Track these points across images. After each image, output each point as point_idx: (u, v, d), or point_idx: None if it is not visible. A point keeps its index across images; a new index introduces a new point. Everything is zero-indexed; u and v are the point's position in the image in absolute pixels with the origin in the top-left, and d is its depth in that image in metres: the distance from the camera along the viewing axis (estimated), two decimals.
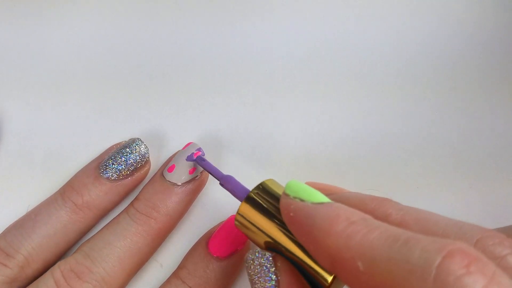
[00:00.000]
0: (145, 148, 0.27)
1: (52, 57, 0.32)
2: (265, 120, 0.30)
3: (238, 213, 0.22)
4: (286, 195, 0.19)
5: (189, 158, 0.26)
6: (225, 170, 0.25)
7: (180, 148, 0.27)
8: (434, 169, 0.28)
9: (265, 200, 0.21)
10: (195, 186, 0.26)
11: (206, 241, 0.25)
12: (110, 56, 0.31)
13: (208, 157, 0.27)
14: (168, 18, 0.32)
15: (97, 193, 0.25)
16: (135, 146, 0.26)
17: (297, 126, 0.29)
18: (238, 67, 0.31)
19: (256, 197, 0.22)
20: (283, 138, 0.29)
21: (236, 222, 0.22)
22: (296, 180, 0.20)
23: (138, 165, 0.26)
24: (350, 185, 0.27)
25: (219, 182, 0.24)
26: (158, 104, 0.30)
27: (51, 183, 0.28)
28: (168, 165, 0.26)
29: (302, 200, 0.18)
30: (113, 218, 0.26)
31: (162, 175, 0.26)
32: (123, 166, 0.26)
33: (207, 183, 0.27)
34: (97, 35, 0.32)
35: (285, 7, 0.32)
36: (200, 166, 0.25)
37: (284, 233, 0.20)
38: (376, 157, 0.29)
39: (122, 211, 0.26)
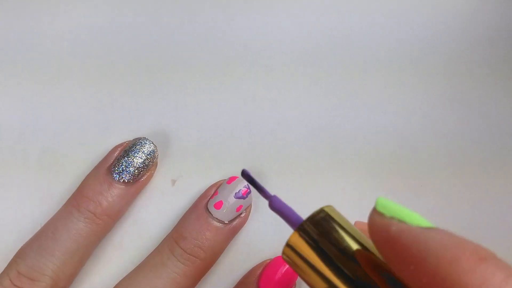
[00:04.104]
0: (153, 146, 0.26)
1: (47, 52, 0.30)
2: (265, 117, 0.29)
3: (287, 244, 0.17)
4: (380, 213, 0.16)
5: (237, 196, 0.25)
6: (225, 168, 0.26)
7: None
8: (438, 168, 0.29)
9: (323, 233, 0.17)
10: (239, 224, 0.25)
11: (257, 284, 0.24)
12: (107, 52, 0.30)
13: (208, 155, 0.28)
14: (166, 13, 0.31)
15: (114, 199, 0.25)
16: (143, 146, 0.26)
17: (298, 123, 0.29)
18: (238, 63, 0.30)
19: (312, 227, 0.17)
20: (284, 135, 0.29)
21: (284, 256, 0.18)
22: (386, 198, 0.16)
23: (149, 164, 0.26)
24: (352, 183, 0.28)
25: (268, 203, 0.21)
26: (156, 102, 0.29)
27: (47, 181, 0.27)
28: (215, 201, 0.25)
29: (401, 222, 0.15)
30: (156, 257, 0.24)
31: (207, 210, 0.25)
32: (135, 168, 0.25)
33: None
34: (94, 31, 0.30)
35: (285, 1, 0.31)
36: (248, 182, 0.22)
37: (346, 278, 0.16)
38: (379, 154, 0.29)
39: (165, 248, 0.24)
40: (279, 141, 0.28)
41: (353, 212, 0.27)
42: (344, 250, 0.17)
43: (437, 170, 0.28)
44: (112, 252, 0.27)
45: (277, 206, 0.19)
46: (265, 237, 0.27)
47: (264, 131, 0.28)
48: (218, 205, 0.25)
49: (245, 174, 0.21)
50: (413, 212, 0.16)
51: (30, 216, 0.27)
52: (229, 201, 0.25)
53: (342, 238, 0.17)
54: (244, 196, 0.25)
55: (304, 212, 0.27)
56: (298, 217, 0.18)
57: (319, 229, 0.17)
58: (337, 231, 0.17)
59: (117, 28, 0.30)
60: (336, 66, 0.30)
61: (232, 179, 0.26)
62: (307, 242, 0.17)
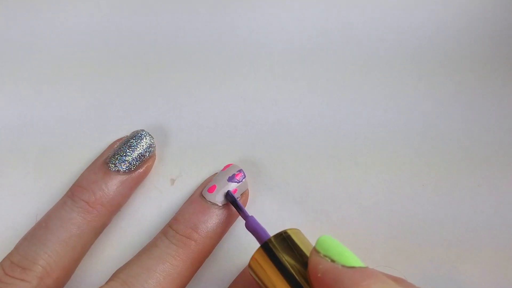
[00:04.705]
0: (151, 139, 0.26)
1: (46, 49, 0.31)
2: (265, 116, 0.29)
3: (252, 259, 0.21)
4: (316, 251, 0.19)
5: (230, 179, 0.25)
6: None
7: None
8: (440, 167, 0.28)
9: (283, 251, 0.20)
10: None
11: None
12: (105, 49, 0.31)
13: (207, 155, 0.28)
14: (165, 12, 0.32)
15: (109, 188, 0.25)
16: (141, 137, 0.26)
17: (299, 121, 0.29)
18: (237, 61, 0.30)
19: (274, 246, 0.21)
20: (284, 134, 0.28)
21: (249, 269, 0.21)
22: (329, 236, 0.19)
23: (146, 155, 0.26)
24: (352, 182, 0.27)
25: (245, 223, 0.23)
26: (155, 100, 0.29)
27: (45, 180, 0.27)
28: (209, 186, 0.25)
29: (332, 260, 0.18)
30: (150, 242, 0.24)
31: (201, 195, 0.25)
32: (132, 158, 0.25)
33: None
34: (93, 28, 0.31)
35: None
36: (229, 202, 0.25)
37: None
38: (380, 153, 0.28)
39: (159, 233, 0.24)
40: (279, 140, 0.28)
41: (353, 211, 0.27)
42: (295, 266, 0.20)
43: (439, 169, 0.28)
44: (111, 250, 0.27)
45: (251, 226, 0.22)
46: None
47: (264, 129, 0.29)
48: (211, 189, 0.25)
49: (229, 195, 0.24)
50: (347, 252, 0.18)
51: (29, 214, 0.27)
52: (222, 184, 0.25)
53: (297, 256, 0.20)
54: (237, 179, 0.25)
55: (303, 211, 0.27)
56: (267, 236, 0.22)
57: (279, 247, 0.20)
58: (293, 250, 0.20)
59: (115, 26, 0.31)
60: (336, 64, 0.30)
61: (226, 166, 0.26)
62: (268, 257, 0.20)
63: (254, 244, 0.26)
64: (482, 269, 0.26)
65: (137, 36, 0.31)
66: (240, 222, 0.26)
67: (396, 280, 0.19)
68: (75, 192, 0.25)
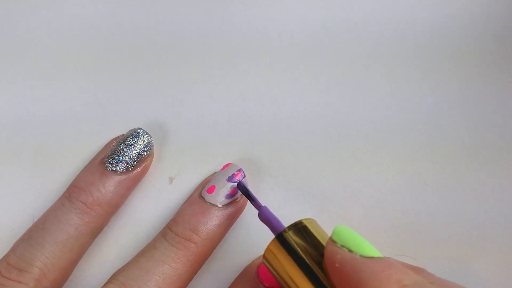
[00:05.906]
0: (148, 137, 0.26)
1: (42, 46, 0.30)
2: (265, 114, 0.29)
3: (267, 250, 0.21)
4: (333, 242, 0.19)
5: (230, 179, 0.25)
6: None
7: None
8: (443, 165, 0.27)
9: (299, 242, 0.20)
10: (235, 209, 0.25)
11: (256, 271, 0.23)
12: (102, 46, 0.30)
13: (206, 153, 0.28)
14: (164, 7, 0.31)
15: (107, 189, 0.24)
16: (138, 136, 0.26)
17: (299, 120, 0.28)
18: (237, 58, 0.30)
19: (289, 236, 0.20)
20: (284, 133, 0.28)
21: (264, 260, 0.21)
22: (345, 226, 0.19)
23: (144, 154, 0.25)
24: (354, 180, 0.27)
25: (258, 213, 0.23)
26: (154, 98, 0.29)
27: (42, 178, 0.27)
28: (208, 186, 0.25)
29: (350, 251, 0.18)
30: (149, 243, 0.24)
31: (201, 196, 0.25)
32: (129, 158, 0.25)
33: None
34: (90, 24, 0.30)
35: None
36: (241, 192, 0.24)
37: (312, 284, 0.19)
38: (382, 152, 0.28)
39: (158, 235, 0.24)
40: (279, 139, 0.28)
41: (355, 210, 0.27)
42: (311, 257, 0.20)
43: (442, 168, 0.27)
44: (108, 250, 0.26)
45: (265, 216, 0.22)
46: (267, 231, 0.26)
47: (264, 128, 0.28)
48: (211, 190, 0.24)
49: (241, 185, 0.24)
50: (365, 242, 0.18)
51: (25, 213, 0.27)
52: (222, 184, 0.24)
53: (312, 246, 0.20)
54: (237, 179, 0.25)
55: (304, 210, 0.27)
56: (282, 226, 0.21)
57: (295, 238, 0.20)
58: (308, 241, 0.20)
59: (113, 22, 0.30)
60: (337, 61, 0.30)
61: (226, 165, 0.26)
62: (283, 247, 0.20)
63: (254, 244, 0.26)
64: (485, 268, 0.26)
65: (134, 33, 0.30)
66: (240, 222, 0.26)
67: (416, 270, 0.19)
68: (72, 193, 0.24)
